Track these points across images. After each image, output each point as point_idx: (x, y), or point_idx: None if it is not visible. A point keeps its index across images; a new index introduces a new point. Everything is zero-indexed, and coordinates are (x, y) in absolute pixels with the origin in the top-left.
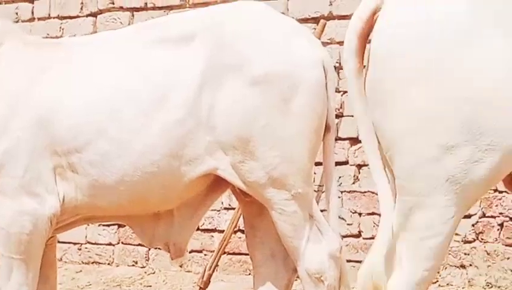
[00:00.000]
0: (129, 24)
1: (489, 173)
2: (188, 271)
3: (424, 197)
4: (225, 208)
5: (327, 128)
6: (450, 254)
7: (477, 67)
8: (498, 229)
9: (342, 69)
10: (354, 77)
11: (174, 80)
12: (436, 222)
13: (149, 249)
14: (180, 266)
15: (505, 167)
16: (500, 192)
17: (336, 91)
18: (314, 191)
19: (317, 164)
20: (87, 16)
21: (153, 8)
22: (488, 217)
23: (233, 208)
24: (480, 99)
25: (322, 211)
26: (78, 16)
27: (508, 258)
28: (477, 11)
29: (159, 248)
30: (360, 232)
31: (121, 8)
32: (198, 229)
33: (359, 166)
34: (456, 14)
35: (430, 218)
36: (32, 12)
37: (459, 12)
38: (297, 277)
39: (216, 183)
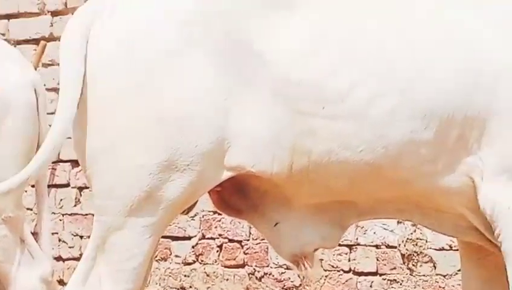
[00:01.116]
0: None
1: (186, 193)
2: None
3: (121, 218)
4: None
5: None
6: (170, 276)
7: (175, 88)
8: (217, 251)
9: None
10: None
11: None
12: (134, 242)
13: None
14: None
15: (201, 188)
16: (219, 214)
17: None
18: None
19: (32, 186)
20: None
21: None
22: (207, 238)
23: None
24: (178, 120)
25: (34, 234)
26: None
27: (227, 280)
28: (180, 31)
29: None
30: (81, 255)
31: None
32: None
33: (80, 188)
34: (157, 33)
35: (129, 239)
36: None
37: (160, 31)
38: None
39: None
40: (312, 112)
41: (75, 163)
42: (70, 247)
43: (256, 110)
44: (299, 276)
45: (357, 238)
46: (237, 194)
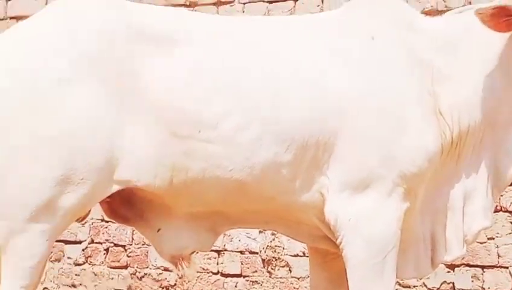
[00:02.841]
0: None
1: (80, 203)
2: None
3: (21, 223)
4: None
5: None
6: (63, 275)
7: (69, 113)
8: (104, 254)
9: None
10: None
11: None
12: (33, 245)
13: None
14: None
15: (93, 199)
16: (107, 221)
17: None
18: None
19: None
20: None
21: None
22: (96, 243)
23: None
24: (72, 141)
25: None
26: None
27: (112, 279)
28: (72, 62)
29: None
30: None
31: None
32: None
33: None
34: (52, 64)
35: (28, 241)
36: None
37: (54, 63)
38: None
39: None
40: (189, 135)
41: None
42: None
43: (141, 132)
44: (178, 275)
45: (224, 245)
46: (125, 204)
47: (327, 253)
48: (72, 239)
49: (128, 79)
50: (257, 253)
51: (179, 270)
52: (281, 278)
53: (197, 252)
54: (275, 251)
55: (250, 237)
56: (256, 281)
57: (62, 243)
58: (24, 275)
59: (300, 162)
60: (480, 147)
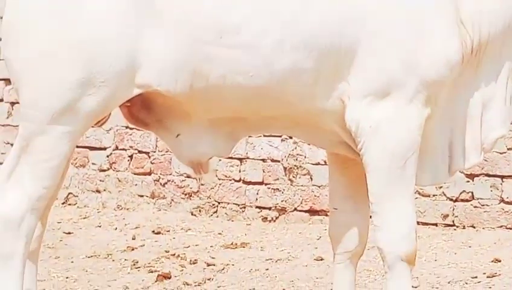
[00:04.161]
0: None
1: (100, 106)
2: None
3: (43, 125)
4: None
5: None
6: (87, 180)
7: (89, 14)
8: (128, 160)
9: None
10: None
11: None
12: (54, 146)
13: None
14: None
15: (114, 103)
16: (131, 128)
17: None
18: None
19: None
20: None
21: None
22: (120, 149)
23: None
24: (94, 43)
25: None
26: None
27: (136, 185)
28: None
29: None
30: None
31: None
32: None
33: (12, 103)
34: None
35: (49, 143)
36: None
37: None
38: None
39: None
40: (210, 41)
41: (7, 81)
42: (2, 153)
43: (162, 36)
44: (196, 180)
45: (246, 153)
46: (144, 109)
47: (346, 159)
48: (97, 145)
49: None
50: (279, 161)
51: (197, 175)
52: (302, 186)
53: (220, 159)
54: (296, 159)
55: (272, 146)
56: (278, 189)
57: (87, 149)
58: (46, 176)
59: (322, 68)
60: (500, 56)
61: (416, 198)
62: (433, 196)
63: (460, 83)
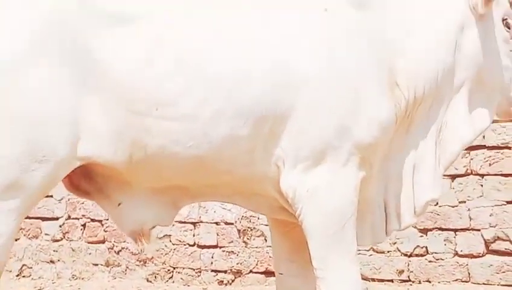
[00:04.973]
0: None
1: (44, 180)
2: None
3: None
4: None
5: None
6: (41, 251)
7: (29, 93)
8: (81, 229)
9: None
10: None
11: None
12: (0, 224)
13: None
14: None
15: (57, 176)
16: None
17: None
18: None
19: None
20: None
21: None
22: (72, 219)
23: None
24: (35, 119)
25: None
26: None
27: (90, 254)
28: (27, 44)
29: None
30: None
31: None
32: None
33: None
34: (6, 46)
35: None
36: None
37: (9, 44)
38: None
39: None
40: (146, 113)
41: None
42: None
43: (100, 109)
44: (137, 250)
45: (200, 217)
46: (85, 179)
47: (287, 223)
48: (50, 216)
49: (85, 57)
50: (232, 223)
51: (138, 245)
52: (256, 247)
53: (173, 225)
54: (250, 221)
55: (225, 208)
56: (233, 252)
57: (39, 220)
58: None
59: (258, 134)
60: (427, 119)
61: (371, 255)
62: (388, 252)
63: (393, 143)
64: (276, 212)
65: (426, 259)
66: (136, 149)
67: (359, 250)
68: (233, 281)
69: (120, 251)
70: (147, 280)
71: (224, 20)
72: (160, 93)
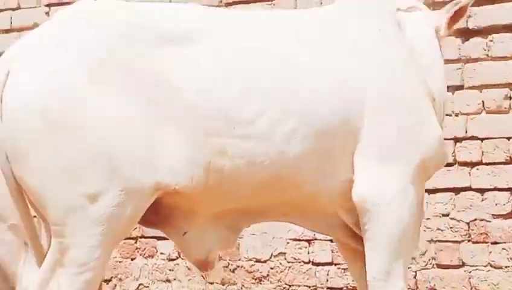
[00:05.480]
0: None
1: (132, 213)
2: None
3: (75, 239)
4: None
5: None
6: (157, 270)
7: (103, 127)
8: None
9: None
10: None
11: None
12: (87, 259)
13: None
14: None
15: (142, 208)
16: None
17: None
18: None
19: None
20: None
21: None
22: None
23: None
24: (113, 155)
25: None
26: None
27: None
28: (91, 71)
29: None
30: None
31: None
32: None
33: None
34: (70, 78)
35: (82, 256)
36: None
37: (73, 75)
38: None
39: None
40: (224, 133)
41: None
42: None
43: (175, 134)
44: (203, 277)
45: (314, 234)
46: (150, 209)
47: (356, 250)
48: (164, 235)
49: (155, 82)
50: None
51: (204, 272)
52: None
53: (288, 242)
54: None
55: None
56: (348, 269)
57: (155, 239)
58: (83, 288)
59: (330, 151)
60: None
61: (488, 270)
62: (506, 267)
63: None
64: (331, 230)
65: None
66: (212, 172)
67: (476, 265)
68: None
69: (235, 269)
70: None
71: (288, 39)
72: (237, 112)
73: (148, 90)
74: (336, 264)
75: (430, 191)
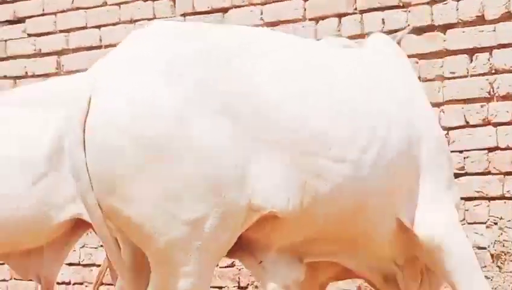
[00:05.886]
0: None
1: (232, 236)
2: None
3: (180, 268)
4: (101, 245)
5: None
6: None
7: (199, 154)
8: None
9: None
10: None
11: None
12: (192, 287)
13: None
14: None
15: (236, 233)
16: None
17: None
18: None
19: None
20: None
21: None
22: None
23: None
24: (214, 180)
25: None
26: None
27: None
28: (186, 93)
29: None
30: None
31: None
32: (79, 264)
33: None
34: (165, 101)
35: (187, 285)
36: None
37: (168, 98)
38: None
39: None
40: (321, 153)
41: None
42: None
43: (270, 155)
44: None
45: None
46: None
47: None
48: None
49: (248, 103)
50: (485, 248)
51: None
52: (511, 272)
53: None
54: (503, 246)
55: (477, 233)
56: (486, 276)
57: None
58: None
59: (400, 187)
60: None
61: None
62: None
63: None
64: (369, 272)
65: None
66: (307, 194)
67: None
68: None
69: None
70: None
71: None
72: (333, 133)
73: (240, 111)
74: None
75: None
